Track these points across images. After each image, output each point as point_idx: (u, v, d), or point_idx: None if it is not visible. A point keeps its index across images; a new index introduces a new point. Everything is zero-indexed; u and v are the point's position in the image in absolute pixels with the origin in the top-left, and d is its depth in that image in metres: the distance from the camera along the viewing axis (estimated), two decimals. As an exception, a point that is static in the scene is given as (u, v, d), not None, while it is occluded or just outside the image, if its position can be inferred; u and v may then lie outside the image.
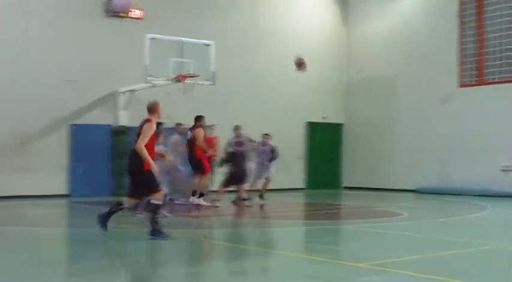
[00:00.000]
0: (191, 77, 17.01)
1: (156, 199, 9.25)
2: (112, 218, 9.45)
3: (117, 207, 9.49)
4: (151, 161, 9.15)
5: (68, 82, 18.39)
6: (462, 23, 21.18)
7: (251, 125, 18.49)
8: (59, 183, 18.41)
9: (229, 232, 11.35)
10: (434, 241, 9.71)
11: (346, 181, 24.53)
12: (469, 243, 9.27)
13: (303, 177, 23.70)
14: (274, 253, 8.78)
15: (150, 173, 9.15)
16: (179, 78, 16.77)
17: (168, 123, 14.71)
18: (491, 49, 20.40)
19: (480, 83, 20.66)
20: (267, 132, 16.61)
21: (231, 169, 15.39)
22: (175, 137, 14.77)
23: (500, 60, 20.15)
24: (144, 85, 17.54)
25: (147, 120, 9.38)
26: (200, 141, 14.86)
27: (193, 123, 15.33)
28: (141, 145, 9.09)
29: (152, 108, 9.56)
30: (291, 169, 21.49)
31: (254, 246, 9.60)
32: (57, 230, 11.50)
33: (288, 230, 11.62)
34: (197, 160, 14.94)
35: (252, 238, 10.76)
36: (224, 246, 9.37)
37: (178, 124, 15.35)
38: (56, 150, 18.45)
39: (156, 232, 9.13)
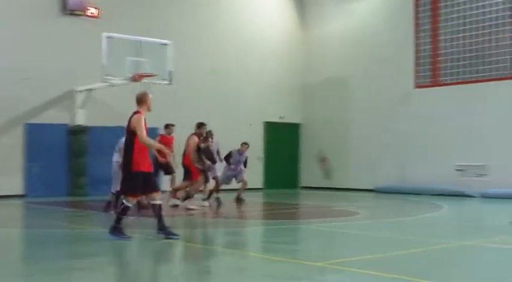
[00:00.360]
0: (148, 76, 16.89)
1: (128, 201, 9.11)
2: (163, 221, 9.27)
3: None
4: (161, 146, 9.35)
5: (23, 80, 18.07)
6: (417, 25, 21.55)
7: (210, 125, 18.39)
8: (14, 184, 18.04)
9: (189, 232, 11.29)
10: (392, 240, 9.85)
11: (304, 181, 24.68)
12: (425, 242, 9.42)
13: (262, 177, 23.75)
14: (233, 253, 8.77)
15: (136, 175, 8.97)
16: (136, 78, 16.64)
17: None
18: (444, 51, 20.84)
19: (434, 84, 21.06)
20: (246, 141, 16.80)
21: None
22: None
23: (452, 62, 20.64)
24: (101, 84, 17.36)
25: (136, 112, 9.15)
26: (190, 149, 14.39)
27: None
28: (143, 135, 8.87)
29: (141, 100, 9.26)
30: (249, 169, 21.46)
31: (214, 246, 9.59)
32: (14, 231, 11.27)
33: (247, 230, 11.64)
34: (186, 166, 14.54)
35: (212, 238, 10.74)
36: (184, 246, 9.31)
37: None
38: (11, 150, 18.09)
39: (117, 231, 9.03)
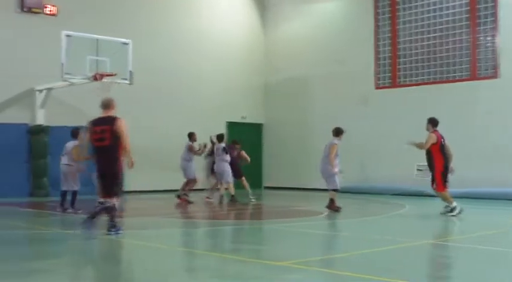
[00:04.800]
0: (108, 75, 16.71)
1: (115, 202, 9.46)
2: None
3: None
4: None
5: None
6: (377, 26, 21.83)
7: (170, 125, 18.35)
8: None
9: (152, 232, 11.16)
10: (354, 239, 9.91)
11: (267, 181, 24.70)
12: (389, 240, 9.48)
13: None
14: (196, 253, 8.72)
15: (122, 177, 9.52)
16: (96, 77, 16.46)
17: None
18: (403, 53, 21.18)
19: (393, 85, 21.35)
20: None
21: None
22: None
23: (410, 63, 21.00)
24: (61, 83, 17.12)
25: (116, 118, 9.41)
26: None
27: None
28: (128, 141, 9.34)
29: (111, 105, 9.60)
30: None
31: (177, 247, 9.50)
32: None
33: (210, 230, 11.59)
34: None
35: (175, 238, 10.63)
36: (145, 246, 9.20)
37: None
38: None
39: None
